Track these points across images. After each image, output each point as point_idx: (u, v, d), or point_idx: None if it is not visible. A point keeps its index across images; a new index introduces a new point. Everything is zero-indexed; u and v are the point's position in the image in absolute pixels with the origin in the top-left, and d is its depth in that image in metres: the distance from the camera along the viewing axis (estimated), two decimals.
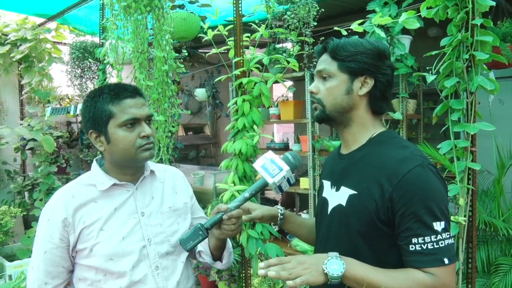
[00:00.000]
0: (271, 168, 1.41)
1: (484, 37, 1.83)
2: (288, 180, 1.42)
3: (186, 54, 2.97)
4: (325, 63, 1.36)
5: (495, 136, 4.03)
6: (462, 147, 1.91)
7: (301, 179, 3.88)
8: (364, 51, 1.31)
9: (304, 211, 4.11)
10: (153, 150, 1.51)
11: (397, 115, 3.28)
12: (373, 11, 3.45)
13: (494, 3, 1.85)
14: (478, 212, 3.28)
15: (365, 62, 1.30)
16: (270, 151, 1.49)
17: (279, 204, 5.48)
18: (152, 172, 1.61)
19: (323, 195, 1.47)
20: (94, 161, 1.58)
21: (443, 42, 1.94)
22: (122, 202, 1.50)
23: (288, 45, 4.06)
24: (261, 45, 3.93)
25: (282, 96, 4.24)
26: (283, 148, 4.23)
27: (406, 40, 3.48)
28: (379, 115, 1.40)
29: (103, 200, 1.49)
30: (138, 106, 1.45)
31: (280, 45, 3.84)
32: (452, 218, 1.89)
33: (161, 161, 2.72)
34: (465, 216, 1.92)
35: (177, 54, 2.69)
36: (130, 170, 1.53)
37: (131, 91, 1.47)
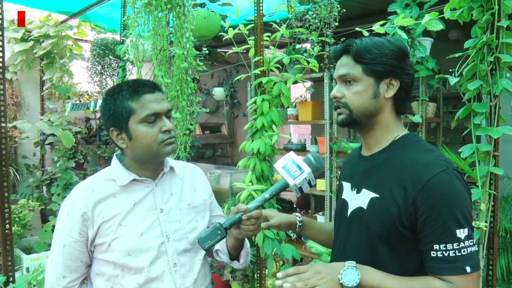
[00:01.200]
0: (293, 170, 1.39)
1: (510, 40, 1.79)
2: (309, 182, 1.40)
3: (207, 52, 2.97)
4: (347, 67, 1.32)
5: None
6: (484, 151, 1.88)
7: (318, 180, 3.86)
8: (389, 53, 1.28)
9: (320, 213, 4.09)
10: (175, 144, 1.51)
11: (417, 118, 3.23)
12: (394, 13, 3.42)
13: None
14: (498, 218, 3.22)
15: (391, 64, 1.28)
16: (291, 152, 1.47)
17: (295, 205, 5.50)
18: (171, 168, 1.61)
19: (343, 197, 1.45)
20: (114, 157, 1.59)
21: (467, 44, 1.91)
22: (142, 197, 1.51)
23: (308, 45, 4.05)
24: (280, 46, 3.93)
25: (301, 96, 4.23)
26: (300, 149, 4.21)
27: (427, 42, 3.43)
28: (402, 114, 1.38)
29: (123, 195, 1.49)
30: (157, 101, 1.45)
31: (300, 46, 3.83)
32: (473, 223, 1.85)
33: (178, 158, 2.72)
34: (486, 222, 1.88)
35: (197, 52, 2.70)
36: (151, 165, 1.53)
37: (150, 86, 1.47)
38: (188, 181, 1.65)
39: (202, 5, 3.49)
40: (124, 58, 3.04)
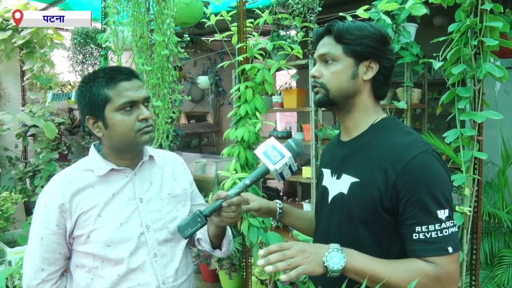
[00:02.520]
0: (273, 155, 1.37)
1: (494, 23, 1.78)
2: (290, 168, 1.38)
3: (188, 39, 2.92)
4: (328, 46, 1.31)
5: (500, 126, 3.98)
6: (468, 136, 1.87)
7: (304, 168, 3.84)
8: (370, 35, 1.27)
9: (306, 201, 4.08)
10: (153, 133, 1.47)
11: (402, 104, 3.22)
12: None
13: None
14: (482, 203, 3.24)
15: (371, 46, 1.27)
16: (272, 138, 1.45)
17: (281, 193, 5.49)
18: (151, 157, 1.58)
19: (323, 183, 1.43)
20: (92, 146, 1.55)
21: (451, 28, 1.89)
22: (120, 187, 1.47)
23: (292, 32, 4.00)
24: (264, 33, 3.89)
25: (285, 84, 4.19)
26: (286, 136, 4.18)
27: (412, 28, 3.42)
28: (381, 100, 1.38)
29: (101, 185, 1.46)
30: (134, 88, 1.41)
31: (284, 32, 3.79)
32: (457, 208, 1.85)
33: (160, 147, 2.69)
34: (470, 207, 1.88)
35: (179, 39, 2.64)
36: (129, 154, 1.50)
37: (127, 74, 1.42)
38: (168, 170, 1.62)
39: None
40: (106, 47, 2.98)
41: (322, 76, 1.32)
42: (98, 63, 4.41)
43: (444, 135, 1.94)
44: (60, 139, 5.00)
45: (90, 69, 4.95)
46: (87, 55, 5.04)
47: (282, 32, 3.78)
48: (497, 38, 1.80)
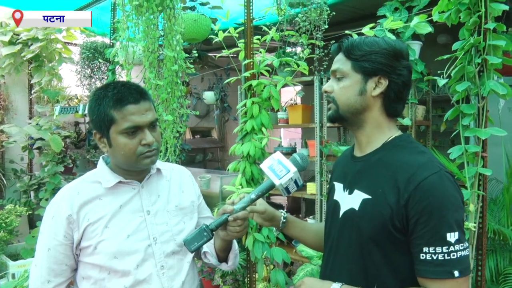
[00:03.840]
0: (278, 169, 1.38)
1: (497, 42, 1.81)
2: (295, 182, 1.39)
3: (196, 55, 2.96)
4: (339, 62, 1.33)
5: (504, 143, 3.99)
6: (473, 152, 1.89)
7: (308, 184, 3.85)
8: (379, 51, 1.27)
9: (310, 217, 4.08)
10: (156, 156, 1.48)
11: (406, 121, 3.25)
12: (384, 16, 3.44)
13: (507, 7, 1.83)
14: (487, 220, 3.24)
15: (379, 62, 1.27)
16: (278, 152, 1.46)
17: (285, 209, 5.49)
18: (158, 170, 1.59)
19: (335, 197, 1.43)
20: (101, 159, 1.57)
21: (455, 46, 1.92)
22: (128, 199, 1.49)
23: (298, 49, 4.05)
24: (270, 50, 3.94)
25: (291, 100, 4.23)
26: (291, 152, 4.20)
27: (416, 46, 3.46)
28: (395, 117, 1.36)
29: (109, 197, 1.48)
30: (141, 112, 1.42)
31: (290, 49, 3.84)
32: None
33: (168, 161, 2.71)
34: (475, 223, 1.89)
35: (187, 55, 2.69)
36: (134, 171, 1.52)
37: (135, 96, 1.43)
38: (176, 183, 1.63)
39: (193, 8, 3.49)
40: (114, 61, 3.02)
41: (333, 91, 1.34)
42: (106, 78, 4.45)
43: (448, 152, 1.96)
44: (65, 152, 5.03)
45: (98, 83, 4.99)
46: (95, 70, 5.10)
47: (288, 49, 3.83)
48: (500, 56, 1.83)
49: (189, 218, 1.60)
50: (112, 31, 3.83)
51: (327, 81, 1.40)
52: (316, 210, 3.78)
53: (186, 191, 1.65)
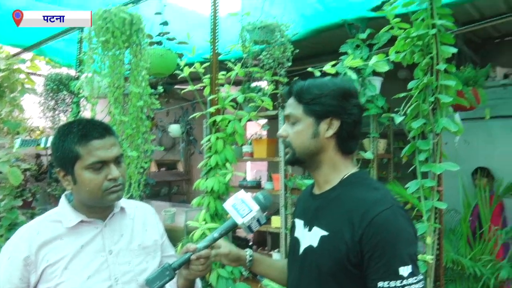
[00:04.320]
0: (241, 208, 1.40)
1: (448, 82, 1.92)
2: (258, 221, 1.41)
3: (162, 90, 2.99)
4: (291, 107, 1.37)
5: (461, 175, 4.15)
6: (429, 186, 1.96)
7: (273, 217, 3.88)
8: (329, 93, 1.31)
9: (276, 250, 4.09)
10: (122, 192, 1.47)
11: (368, 155, 3.35)
12: (346, 53, 3.58)
13: (456, 50, 1.95)
14: (445, 250, 3.32)
15: (330, 104, 1.30)
16: (241, 191, 1.48)
17: (251, 243, 5.47)
18: (122, 208, 1.57)
19: (295, 235, 1.45)
20: (63, 197, 1.54)
21: (410, 85, 2.03)
22: (90, 239, 1.46)
23: (263, 83, 4.14)
24: (236, 83, 4.00)
25: (256, 134, 4.29)
26: (255, 186, 4.24)
27: (377, 81, 3.60)
28: (350, 154, 1.40)
29: (70, 237, 1.44)
30: (106, 147, 1.42)
31: (255, 84, 3.92)
32: (419, 257, 1.92)
33: (131, 197, 2.69)
34: (432, 255, 1.95)
35: (152, 90, 2.71)
36: (98, 209, 1.49)
37: (100, 131, 1.43)
38: (139, 221, 1.62)
39: (159, 43, 3.53)
40: (79, 95, 3.01)
41: (288, 136, 1.37)
42: (70, 110, 4.41)
43: (406, 186, 2.03)
44: (25, 185, 4.89)
45: (62, 116, 4.92)
46: (59, 102, 5.03)
47: (253, 83, 3.91)
48: (451, 95, 1.94)
49: (152, 257, 1.58)
50: (78, 63, 3.82)
51: None
52: (281, 244, 3.79)
53: (149, 229, 1.64)
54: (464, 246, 3.50)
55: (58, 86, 4.77)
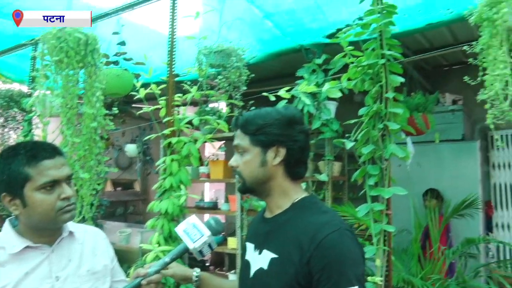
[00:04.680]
0: (193, 233, 1.42)
1: (396, 109, 2.00)
2: (209, 245, 1.44)
3: (117, 112, 2.96)
4: (239, 138, 1.41)
5: (412, 197, 4.28)
6: (378, 210, 2.02)
7: (229, 239, 3.87)
8: (273, 122, 1.36)
9: (233, 271, 4.07)
10: (74, 211, 1.45)
11: (323, 177, 3.42)
12: (302, 77, 3.67)
13: (403, 80, 2.04)
14: (398, 270, 3.41)
15: (274, 133, 1.35)
16: (193, 216, 1.50)
17: (208, 263, 5.42)
18: (71, 233, 1.54)
19: (246, 257, 1.48)
20: (7, 222, 1.49)
21: (361, 111, 2.10)
22: (35, 266, 1.41)
23: (221, 104, 4.17)
24: (194, 103, 4.02)
25: (213, 155, 4.30)
26: (212, 207, 4.23)
27: (332, 105, 3.70)
28: (298, 179, 1.45)
29: (13, 264, 1.39)
30: (57, 167, 1.40)
31: (213, 105, 3.94)
32: (369, 278, 1.96)
33: (83, 219, 2.62)
34: (381, 276, 2.00)
35: (107, 111, 2.68)
36: (47, 232, 1.46)
37: (49, 151, 1.42)
38: (89, 246, 1.59)
39: (116, 63, 3.51)
40: (31, 114, 2.93)
41: (238, 166, 1.41)
42: (21, 128, 4.27)
43: (357, 209, 2.09)
44: None
45: (12, 133, 4.75)
46: (9, 119, 4.86)
47: (211, 104, 3.94)
48: (400, 122, 2.02)
49: (102, 283, 1.56)
50: (31, 80, 3.72)
51: None
52: (238, 265, 3.78)
53: (99, 254, 1.61)
54: (415, 265, 3.60)
55: (8, 103, 4.62)
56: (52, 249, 1.47)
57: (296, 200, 1.40)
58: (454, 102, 5.11)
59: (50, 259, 1.45)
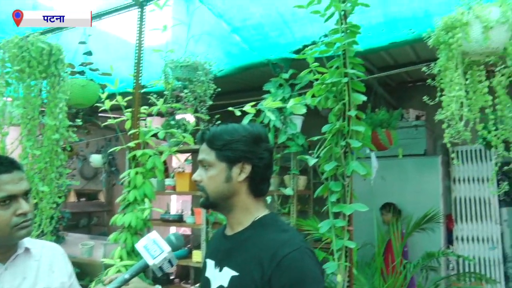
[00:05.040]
0: (153, 249, 1.40)
1: (358, 127, 2.04)
2: (170, 261, 1.42)
3: (80, 123, 2.91)
4: (204, 153, 1.41)
5: (375, 211, 4.36)
6: (340, 226, 2.05)
7: (194, 252, 3.84)
8: (240, 139, 1.37)
9: (197, 285, 4.03)
10: (31, 227, 1.42)
11: (288, 191, 3.44)
12: (269, 92, 3.70)
13: (365, 98, 2.09)
14: (361, 284, 3.46)
15: (241, 149, 1.37)
16: (154, 231, 1.48)
17: (173, 276, 5.35)
18: (27, 249, 1.51)
19: (206, 274, 1.47)
20: None
21: (324, 129, 2.13)
22: None
23: (188, 116, 4.15)
24: (162, 114, 3.99)
25: (179, 168, 4.27)
26: (177, 220, 4.20)
27: (298, 120, 3.74)
28: (261, 197, 1.46)
29: None
30: (15, 181, 1.38)
31: (180, 117, 3.92)
32: None
33: (42, 233, 2.55)
34: None
35: (70, 123, 2.63)
36: (1, 249, 1.42)
37: (7, 165, 1.39)
38: (46, 262, 1.56)
39: (82, 73, 3.45)
40: None
41: (202, 180, 1.40)
42: None
43: (319, 226, 2.11)
44: None
45: None
46: None
47: (178, 116, 3.91)
48: (361, 140, 2.06)
49: None
50: None
51: None
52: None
53: (57, 271, 1.57)
54: (378, 279, 3.65)
55: None
56: (5, 266, 1.43)
57: (257, 218, 1.41)
58: (418, 117, 5.26)
59: (2, 278, 1.42)
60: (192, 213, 4.06)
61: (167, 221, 4.25)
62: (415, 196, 5.17)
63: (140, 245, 1.44)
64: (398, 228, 3.82)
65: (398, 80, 5.49)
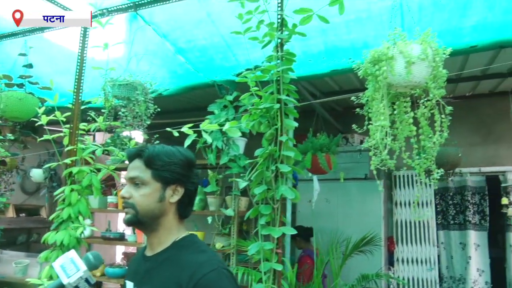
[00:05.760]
0: (69, 268, 1.39)
1: (288, 152, 2.11)
2: (87, 280, 1.41)
3: (13, 138, 2.84)
4: (138, 170, 1.42)
5: (321, 233, 4.45)
6: (269, 248, 2.09)
7: None
8: (177, 162, 1.42)
9: None
10: None
11: (229, 212, 3.47)
12: (213, 113, 3.74)
13: (297, 124, 2.16)
14: None
15: (178, 172, 1.42)
16: (72, 250, 1.47)
17: None
18: None
19: None
20: None
21: (257, 152, 2.18)
22: None
23: (136, 133, 4.13)
24: (108, 129, 3.94)
25: (122, 185, 4.22)
26: (118, 238, 4.12)
27: (241, 141, 3.79)
28: (184, 219, 1.50)
29: None
30: None
31: (126, 133, 3.88)
32: None
33: None
34: None
35: (1, 137, 2.57)
36: None
37: None
38: None
39: (21, 85, 3.37)
40: None
41: (132, 197, 1.42)
42: None
43: (247, 248, 2.14)
44: None
45: None
46: None
47: (124, 132, 3.87)
48: (291, 165, 2.12)
49: None
50: None
51: None
52: None
53: None
54: None
55: None
56: None
57: (178, 239, 1.45)
58: (362, 142, 5.44)
59: None
60: (134, 232, 4.01)
61: (108, 239, 4.16)
62: (358, 219, 5.33)
63: (57, 264, 1.42)
64: (338, 251, 3.90)
65: (344, 105, 5.66)
